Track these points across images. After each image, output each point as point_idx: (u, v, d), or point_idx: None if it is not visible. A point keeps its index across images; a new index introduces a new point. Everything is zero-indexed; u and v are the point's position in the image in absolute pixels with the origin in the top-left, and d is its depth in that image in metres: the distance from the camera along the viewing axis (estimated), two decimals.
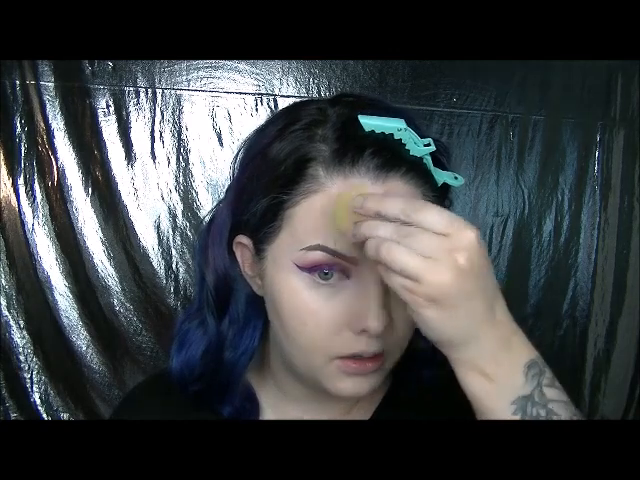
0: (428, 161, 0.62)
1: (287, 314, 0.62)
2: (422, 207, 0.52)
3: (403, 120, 0.61)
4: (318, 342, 0.61)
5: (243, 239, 0.65)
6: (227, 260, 0.67)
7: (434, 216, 0.50)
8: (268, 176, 0.62)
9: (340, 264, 0.59)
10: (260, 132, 0.67)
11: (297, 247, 0.60)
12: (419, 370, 0.71)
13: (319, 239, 0.59)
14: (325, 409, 0.70)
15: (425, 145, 0.61)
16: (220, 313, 0.69)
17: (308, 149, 0.61)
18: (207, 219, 0.71)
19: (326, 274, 0.60)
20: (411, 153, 0.61)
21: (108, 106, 1.37)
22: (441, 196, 0.64)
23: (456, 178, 0.62)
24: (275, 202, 0.61)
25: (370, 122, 0.60)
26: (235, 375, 0.69)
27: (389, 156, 0.59)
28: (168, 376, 0.76)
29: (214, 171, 1.40)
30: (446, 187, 0.64)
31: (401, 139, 0.61)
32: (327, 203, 0.59)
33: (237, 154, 0.68)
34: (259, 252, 0.64)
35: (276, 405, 0.71)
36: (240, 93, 1.40)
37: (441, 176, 0.62)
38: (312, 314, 0.61)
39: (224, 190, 1.49)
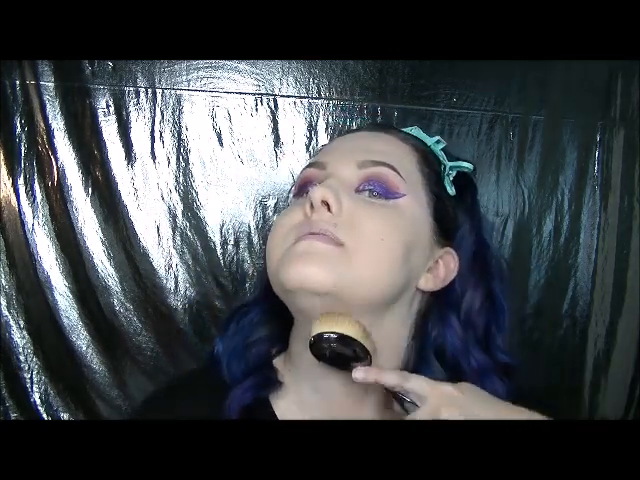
0: (436, 148, 0.79)
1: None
2: (410, 378, 0.64)
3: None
4: (279, 233, 0.70)
5: None
6: None
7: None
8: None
9: (313, 175, 0.73)
10: None
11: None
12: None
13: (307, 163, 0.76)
14: (336, 390, 0.73)
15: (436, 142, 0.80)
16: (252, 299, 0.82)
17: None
18: None
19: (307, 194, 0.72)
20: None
21: (108, 106, 1.37)
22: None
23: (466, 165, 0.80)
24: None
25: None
26: (238, 343, 0.77)
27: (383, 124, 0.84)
28: (196, 376, 0.81)
29: (214, 171, 1.40)
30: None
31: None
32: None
33: None
34: None
35: (294, 388, 0.76)
36: (240, 93, 1.40)
37: (451, 160, 0.79)
38: (282, 214, 0.74)
39: (224, 190, 1.50)
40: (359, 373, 0.64)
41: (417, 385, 0.62)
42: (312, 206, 0.67)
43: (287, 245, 0.67)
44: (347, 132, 0.83)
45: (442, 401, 0.60)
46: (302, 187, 0.74)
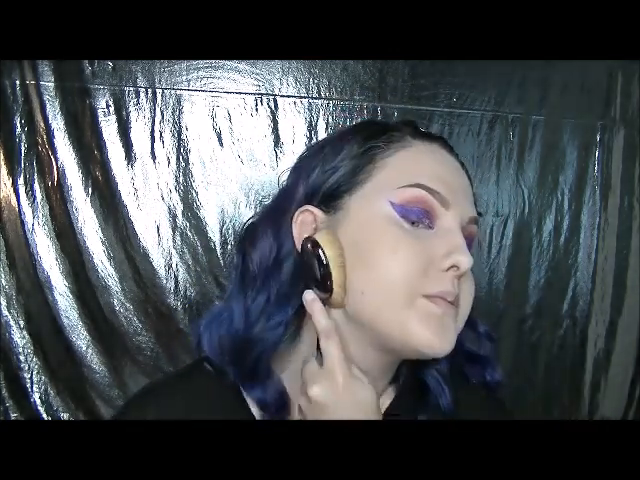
0: None
1: (375, 248, 0.64)
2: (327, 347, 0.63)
3: None
4: (406, 276, 0.62)
5: (309, 207, 0.68)
6: (283, 235, 0.69)
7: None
8: (360, 137, 0.69)
9: (433, 207, 0.65)
10: (334, 132, 0.79)
11: (394, 186, 0.65)
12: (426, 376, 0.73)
13: (419, 179, 0.65)
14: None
15: None
16: (257, 291, 0.70)
17: (393, 126, 0.71)
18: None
19: (413, 223, 0.65)
20: None
21: (108, 106, 1.37)
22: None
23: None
24: (370, 152, 0.68)
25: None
26: (263, 351, 0.68)
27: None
28: (189, 374, 0.75)
29: (214, 171, 1.40)
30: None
31: None
32: (417, 156, 0.68)
33: (304, 153, 0.74)
34: (333, 208, 0.68)
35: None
36: (240, 93, 1.40)
37: None
38: (401, 247, 0.63)
39: (224, 190, 1.50)
40: (309, 295, 0.65)
41: (327, 351, 0.62)
42: (454, 267, 0.63)
43: (413, 289, 0.62)
44: (439, 143, 0.72)
45: (322, 383, 0.61)
46: (415, 212, 0.65)
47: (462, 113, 1.46)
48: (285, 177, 0.74)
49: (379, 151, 0.68)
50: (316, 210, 0.68)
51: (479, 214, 0.74)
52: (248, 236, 0.72)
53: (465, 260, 0.63)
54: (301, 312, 0.68)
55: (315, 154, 0.71)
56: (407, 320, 0.62)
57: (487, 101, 1.47)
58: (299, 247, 0.68)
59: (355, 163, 0.68)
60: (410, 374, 0.73)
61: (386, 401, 0.72)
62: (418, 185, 0.65)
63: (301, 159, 0.73)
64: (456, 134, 1.46)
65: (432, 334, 0.62)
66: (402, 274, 0.62)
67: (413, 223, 0.65)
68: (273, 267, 0.69)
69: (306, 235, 0.67)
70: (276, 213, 0.71)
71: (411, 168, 0.67)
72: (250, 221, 0.74)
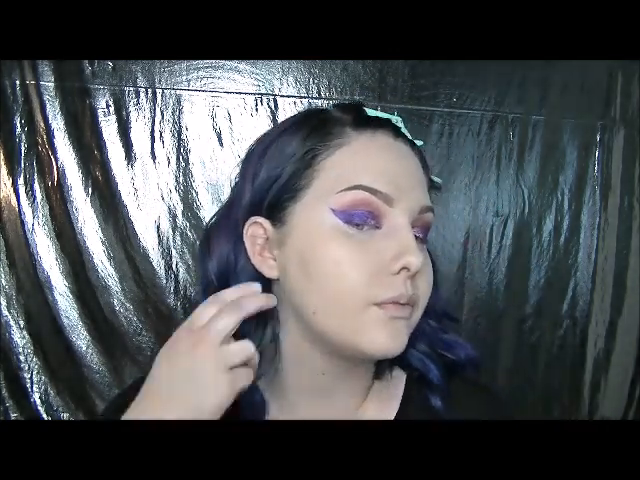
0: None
1: (319, 262, 0.62)
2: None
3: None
4: (355, 286, 0.61)
5: (258, 219, 0.66)
6: (237, 246, 0.67)
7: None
8: (299, 137, 0.66)
9: (377, 207, 0.62)
10: (278, 126, 0.71)
11: (334, 190, 0.63)
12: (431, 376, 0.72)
13: (358, 180, 0.63)
14: (334, 404, 0.69)
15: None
16: None
17: (334, 116, 0.67)
18: (211, 220, 0.72)
19: (358, 225, 0.62)
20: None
21: (108, 106, 1.37)
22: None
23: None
24: (309, 156, 0.65)
25: (374, 112, 0.69)
26: None
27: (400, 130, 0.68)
28: None
29: (214, 171, 1.40)
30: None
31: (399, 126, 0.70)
32: (357, 153, 0.65)
33: (250, 150, 0.70)
34: (279, 221, 0.65)
35: (281, 400, 0.70)
36: (240, 93, 1.40)
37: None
38: (347, 257, 0.61)
39: (224, 190, 1.49)
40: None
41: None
42: (405, 268, 0.61)
43: (364, 299, 0.61)
44: (384, 129, 0.67)
45: None
46: (356, 215, 0.62)
47: (462, 113, 1.46)
48: (235, 174, 0.71)
49: (318, 152, 0.65)
50: (265, 222, 0.66)
51: (437, 188, 0.71)
52: (206, 242, 0.70)
53: (415, 261, 0.61)
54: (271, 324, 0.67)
55: (260, 153, 0.68)
56: (361, 329, 0.61)
57: (487, 101, 1.47)
58: (253, 260, 0.66)
59: (296, 167, 0.65)
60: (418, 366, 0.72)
61: (375, 403, 0.71)
62: (358, 187, 0.62)
63: (247, 155, 0.70)
64: (456, 134, 1.46)
65: (385, 338, 0.61)
66: (350, 287, 0.61)
67: (358, 225, 0.62)
68: (232, 280, 0.67)
69: (259, 248, 0.66)
70: (228, 219, 0.69)
71: (350, 168, 0.64)
72: (209, 223, 0.72)
